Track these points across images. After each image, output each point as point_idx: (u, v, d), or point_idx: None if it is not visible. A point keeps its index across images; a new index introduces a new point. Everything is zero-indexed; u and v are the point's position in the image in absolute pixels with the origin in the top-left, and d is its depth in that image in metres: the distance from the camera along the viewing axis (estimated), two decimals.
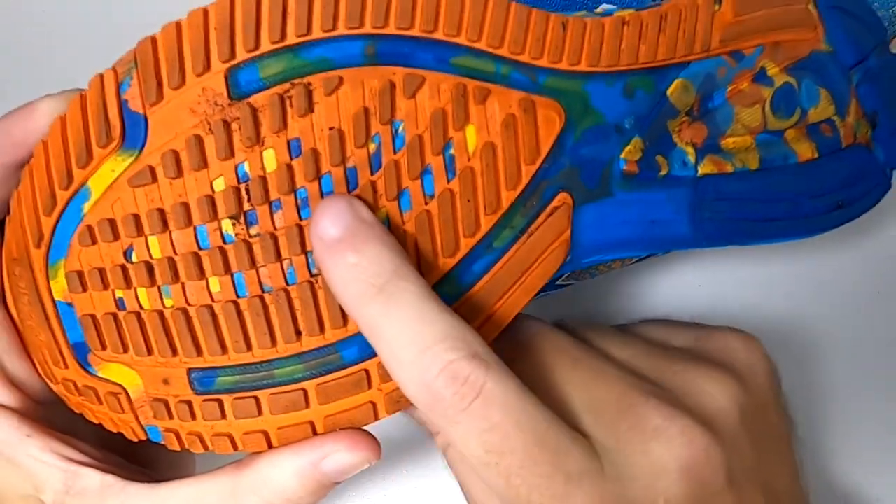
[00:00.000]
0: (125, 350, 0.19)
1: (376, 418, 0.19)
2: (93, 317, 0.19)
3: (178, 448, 0.20)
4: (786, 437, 0.20)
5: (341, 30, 0.18)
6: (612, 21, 0.21)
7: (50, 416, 0.21)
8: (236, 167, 0.18)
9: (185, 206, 0.18)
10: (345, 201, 0.18)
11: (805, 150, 0.24)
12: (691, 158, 0.22)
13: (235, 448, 0.19)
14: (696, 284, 0.29)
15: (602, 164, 0.21)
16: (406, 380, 0.17)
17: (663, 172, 0.22)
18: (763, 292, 0.29)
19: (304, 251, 0.19)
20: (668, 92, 0.22)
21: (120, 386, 0.19)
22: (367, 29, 0.19)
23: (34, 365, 0.20)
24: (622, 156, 0.21)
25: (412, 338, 0.17)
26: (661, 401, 0.18)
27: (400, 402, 0.19)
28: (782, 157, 0.23)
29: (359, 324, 0.18)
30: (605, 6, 0.24)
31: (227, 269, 0.19)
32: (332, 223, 0.18)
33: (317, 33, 0.18)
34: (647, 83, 0.22)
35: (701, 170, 0.22)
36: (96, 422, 0.20)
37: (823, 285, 0.30)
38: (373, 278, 0.17)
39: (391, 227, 0.19)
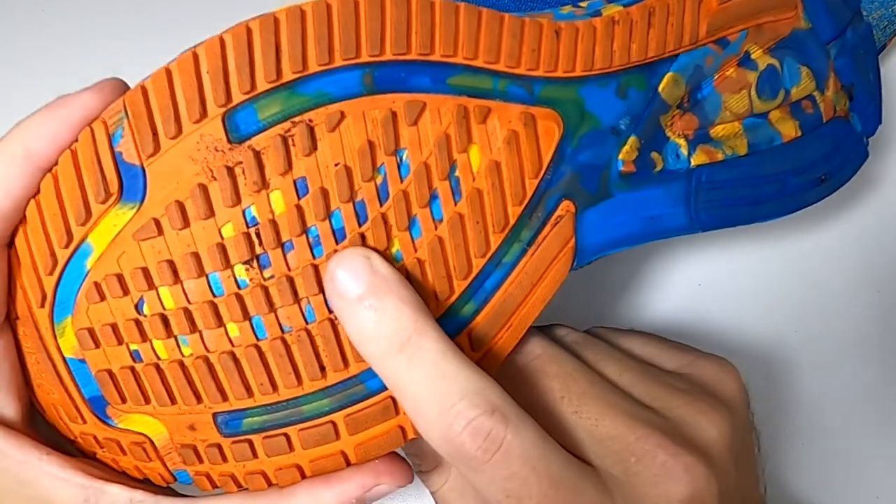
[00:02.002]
0: (147, 401, 0.19)
1: (405, 441, 0.20)
2: (109, 371, 0.19)
3: (210, 489, 0.20)
4: (753, 452, 0.22)
5: (338, 61, 0.18)
6: (602, 22, 0.21)
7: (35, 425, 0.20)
8: (244, 212, 0.18)
9: (196, 255, 0.18)
10: (361, 255, 0.18)
11: (789, 130, 0.24)
12: (684, 151, 0.23)
13: (270, 484, 0.20)
14: (696, 284, 0.29)
15: (601, 168, 0.21)
16: (431, 434, 0.18)
17: (658, 168, 0.22)
18: (763, 292, 0.30)
19: (321, 289, 0.19)
20: (660, 88, 0.22)
21: (144, 435, 0.19)
22: (364, 58, 0.18)
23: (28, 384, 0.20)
24: (619, 157, 0.22)
25: (435, 396, 0.18)
26: (665, 435, 0.19)
27: None
28: (768, 139, 0.24)
29: (382, 377, 0.18)
30: (585, 2, 0.23)
31: (245, 314, 0.18)
32: (350, 279, 0.18)
33: (313, 68, 0.18)
34: (639, 81, 0.22)
35: (694, 161, 0.23)
36: (120, 471, 0.20)
37: (823, 285, 0.30)
38: (394, 336, 0.18)
39: (404, 256, 0.19)
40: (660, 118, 0.22)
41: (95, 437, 0.20)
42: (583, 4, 0.23)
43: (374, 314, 0.18)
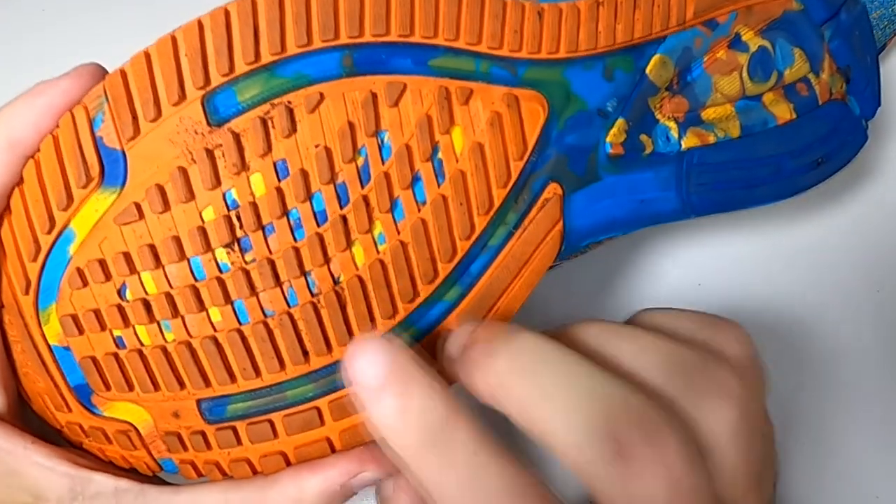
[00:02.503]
0: (130, 388, 0.19)
1: None
2: (93, 358, 0.19)
3: (195, 478, 0.20)
4: (771, 444, 0.20)
5: (316, 43, 0.18)
6: (586, 3, 0.21)
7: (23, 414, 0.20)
8: (224, 195, 0.18)
9: (177, 239, 0.18)
10: (380, 341, 0.17)
11: (783, 112, 0.24)
12: (674, 133, 0.22)
13: (255, 471, 0.19)
14: (696, 284, 0.29)
15: (588, 150, 0.21)
16: None
17: (648, 151, 0.22)
18: (763, 292, 0.29)
19: (303, 272, 0.18)
20: (647, 70, 0.22)
21: (129, 423, 0.19)
22: (343, 39, 0.18)
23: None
24: (607, 139, 0.21)
25: (474, 496, 0.16)
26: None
27: None
28: (762, 121, 0.24)
29: (409, 476, 0.17)
30: None
31: (227, 298, 0.18)
32: (370, 366, 0.16)
33: (291, 49, 0.18)
34: (625, 63, 0.21)
35: (684, 144, 0.23)
36: (106, 460, 0.20)
37: (823, 285, 0.29)
38: (423, 428, 0.16)
39: (387, 238, 0.19)
40: (648, 100, 0.22)
41: (81, 426, 0.20)
42: None
43: (399, 403, 0.16)
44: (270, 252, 0.18)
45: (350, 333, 0.19)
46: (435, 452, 0.16)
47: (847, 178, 0.30)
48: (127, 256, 0.18)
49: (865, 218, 0.30)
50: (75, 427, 0.20)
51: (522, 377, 0.17)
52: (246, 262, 0.18)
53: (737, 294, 0.29)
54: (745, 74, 0.23)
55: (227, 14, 0.17)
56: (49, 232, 0.18)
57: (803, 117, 0.24)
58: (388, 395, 0.16)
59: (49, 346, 0.19)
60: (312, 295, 0.19)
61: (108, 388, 0.19)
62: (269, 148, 0.18)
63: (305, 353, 0.19)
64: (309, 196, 0.18)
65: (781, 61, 0.24)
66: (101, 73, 0.18)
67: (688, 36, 0.22)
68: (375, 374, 0.16)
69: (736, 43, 0.23)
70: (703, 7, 0.22)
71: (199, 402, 0.19)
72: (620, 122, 0.22)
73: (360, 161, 0.18)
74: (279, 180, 0.18)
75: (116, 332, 0.19)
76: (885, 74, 0.31)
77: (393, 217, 0.19)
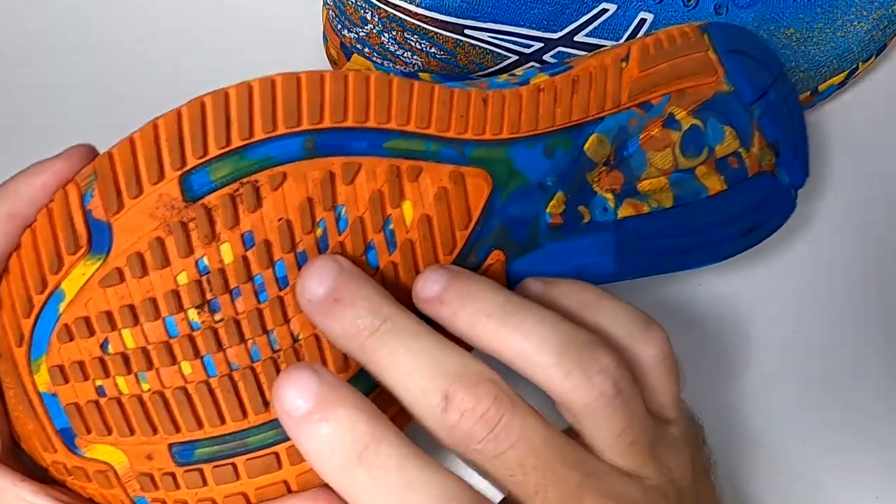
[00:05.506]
0: (109, 432, 0.21)
1: None
2: (76, 405, 0.21)
3: None
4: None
5: (281, 129, 0.20)
6: (528, 90, 0.23)
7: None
8: (196, 262, 0.20)
9: (153, 300, 0.20)
10: (309, 370, 0.18)
11: (714, 184, 0.26)
12: (611, 204, 0.25)
13: None
14: (696, 284, 0.29)
15: (529, 221, 0.23)
16: None
17: (586, 220, 0.24)
18: (762, 292, 0.30)
19: (265, 331, 0.21)
20: (585, 147, 0.24)
21: (107, 464, 0.21)
22: (305, 126, 0.20)
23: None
24: (547, 210, 0.24)
25: None
26: None
27: None
28: (694, 192, 0.26)
29: (342, 495, 0.17)
30: (523, 69, 0.26)
31: (197, 353, 0.20)
32: (297, 395, 0.17)
33: (259, 135, 0.20)
34: (565, 142, 0.24)
35: (620, 213, 0.25)
36: (87, 497, 0.22)
37: (823, 285, 0.30)
38: (350, 447, 0.17)
39: None
40: (586, 175, 0.24)
41: (65, 466, 0.22)
42: (517, 73, 0.25)
43: (325, 427, 0.17)
44: (237, 313, 0.20)
45: None
46: (362, 470, 0.17)
47: (848, 179, 0.31)
48: (109, 315, 0.20)
49: (866, 219, 0.31)
50: (60, 466, 0.22)
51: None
52: (215, 322, 0.20)
53: (736, 294, 0.30)
54: (677, 150, 0.26)
55: (202, 105, 0.20)
56: (42, 292, 0.20)
57: (734, 188, 0.26)
58: (314, 420, 0.17)
59: (38, 393, 0.21)
60: (274, 351, 0.21)
61: (89, 431, 0.21)
62: (237, 221, 0.20)
63: (266, 404, 0.21)
64: (272, 263, 0.20)
65: (712, 138, 0.26)
66: (92, 152, 0.21)
67: (623, 117, 0.25)
68: (303, 401, 0.17)
69: (669, 122, 0.25)
70: (638, 91, 0.25)
71: (170, 445, 0.21)
72: (560, 194, 0.24)
73: (319, 232, 0.21)
74: (245, 250, 0.20)
75: (98, 382, 0.21)
76: (885, 74, 0.33)
77: None
